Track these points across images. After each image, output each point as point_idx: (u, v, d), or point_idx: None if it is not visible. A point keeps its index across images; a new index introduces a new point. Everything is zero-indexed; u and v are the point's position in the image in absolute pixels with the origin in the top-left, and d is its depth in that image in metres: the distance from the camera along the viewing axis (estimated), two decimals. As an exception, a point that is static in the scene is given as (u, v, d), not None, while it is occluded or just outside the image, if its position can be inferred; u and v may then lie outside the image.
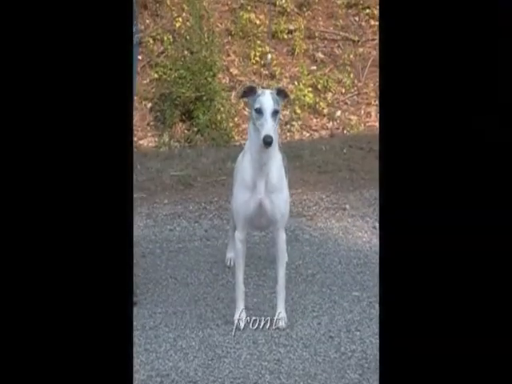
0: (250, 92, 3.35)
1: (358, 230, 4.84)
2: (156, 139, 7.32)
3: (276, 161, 3.41)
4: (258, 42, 8.29)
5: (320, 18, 8.97)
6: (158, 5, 8.46)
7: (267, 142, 3.16)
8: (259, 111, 3.24)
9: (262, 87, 3.72)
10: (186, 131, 7.38)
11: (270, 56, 8.12)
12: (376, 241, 4.62)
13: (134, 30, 3.36)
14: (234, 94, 7.85)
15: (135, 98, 6.08)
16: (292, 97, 7.71)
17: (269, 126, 3.19)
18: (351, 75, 8.34)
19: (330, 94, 8.21)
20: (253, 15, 8.49)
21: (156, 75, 7.71)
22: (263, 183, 3.39)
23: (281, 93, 3.36)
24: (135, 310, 3.57)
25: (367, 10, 8.99)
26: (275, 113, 3.25)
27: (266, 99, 3.25)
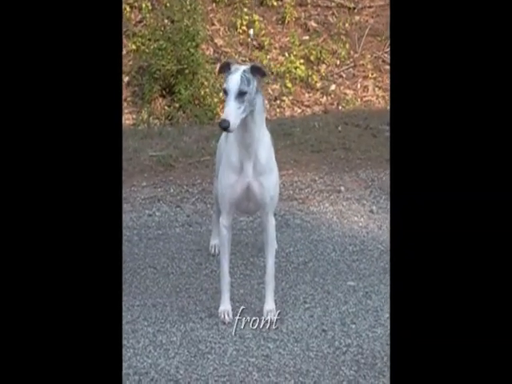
0: (225, 68, 3.31)
1: (354, 214, 4.84)
2: (134, 116, 7.29)
3: (264, 140, 3.38)
4: (245, 9, 8.25)
5: (313, -17, 8.93)
6: (135, -32, 8.40)
7: (222, 126, 3.12)
8: (225, 91, 3.20)
9: (243, 61, 3.68)
10: (166, 107, 7.35)
11: (252, 31, 8.06)
12: (373, 226, 4.63)
13: None
14: (218, 66, 7.81)
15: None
16: (282, 69, 7.68)
17: (228, 109, 3.14)
18: (347, 46, 8.32)
19: (324, 67, 8.19)
20: (239, -20, 8.45)
21: (133, 46, 7.67)
22: (251, 165, 3.37)
23: (256, 70, 3.29)
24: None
25: (364, -25, 8.98)
26: (241, 94, 3.17)
27: (233, 79, 3.18)
